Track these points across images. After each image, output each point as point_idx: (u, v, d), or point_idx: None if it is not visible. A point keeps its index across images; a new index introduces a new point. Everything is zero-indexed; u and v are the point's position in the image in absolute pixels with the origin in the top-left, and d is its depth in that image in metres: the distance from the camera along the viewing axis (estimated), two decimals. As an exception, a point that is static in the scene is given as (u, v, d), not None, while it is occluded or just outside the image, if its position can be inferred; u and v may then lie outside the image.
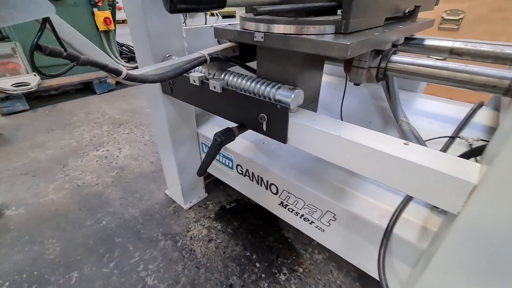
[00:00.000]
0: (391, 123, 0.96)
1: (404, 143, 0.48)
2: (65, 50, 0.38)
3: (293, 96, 0.57)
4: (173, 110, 0.98)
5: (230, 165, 1.06)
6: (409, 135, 0.83)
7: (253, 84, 0.64)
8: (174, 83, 0.86)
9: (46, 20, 0.35)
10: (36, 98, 2.43)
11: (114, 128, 2.00)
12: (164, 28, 0.86)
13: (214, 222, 1.19)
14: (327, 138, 0.53)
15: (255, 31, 0.57)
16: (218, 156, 1.10)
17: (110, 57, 2.69)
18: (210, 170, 1.19)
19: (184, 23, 0.80)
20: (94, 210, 1.24)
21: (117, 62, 2.57)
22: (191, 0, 0.39)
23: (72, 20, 2.34)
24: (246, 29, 0.59)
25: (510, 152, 0.35)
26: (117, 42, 2.86)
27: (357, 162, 0.50)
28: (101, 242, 1.08)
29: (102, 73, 2.62)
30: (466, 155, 0.59)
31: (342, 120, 1.00)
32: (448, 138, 0.83)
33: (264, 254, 1.05)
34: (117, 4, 2.90)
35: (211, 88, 0.69)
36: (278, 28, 0.53)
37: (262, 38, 0.55)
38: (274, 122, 0.61)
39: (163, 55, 0.88)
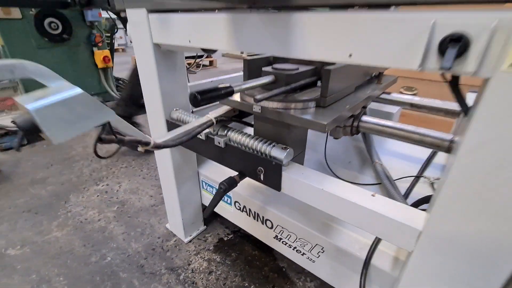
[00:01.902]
0: (368, 163, 1.12)
1: (372, 195, 0.62)
2: (116, 136, 0.51)
3: (285, 154, 0.71)
4: (178, 155, 1.11)
5: (229, 201, 1.17)
6: (382, 175, 0.98)
7: (251, 141, 0.78)
8: (181, 134, 0.99)
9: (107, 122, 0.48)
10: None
11: (113, 161, 2.09)
12: (173, 86, 1.00)
13: (213, 254, 1.28)
14: (313, 189, 0.67)
15: (253, 104, 0.72)
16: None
17: (108, 91, 2.82)
18: (209, 205, 1.30)
19: (188, 81, 0.94)
20: (98, 246, 1.31)
21: (114, 97, 2.69)
22: (210, 98, 0.53)
23: (74, 59, 2.50)
24: (246, 101, 0.74)
25: (441, 205, 0.49)
26: (114, 77, 3.00)
27: (336, 209, 0.64)
28: (107, 278, 1.14)
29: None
30: (417, 203, 0.73)
31: (326, 159, 1.15)
32: (413, 177, 0.98)
33: (261, 284, 1.14)
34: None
35: (216, 143, 0.83)
36: (272, 104, 0.69)
37: (259, 110, 0.70)
38: (270, 174, 0.74)
39: (171, 108, 1.02)
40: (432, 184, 0.95)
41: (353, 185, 0.66)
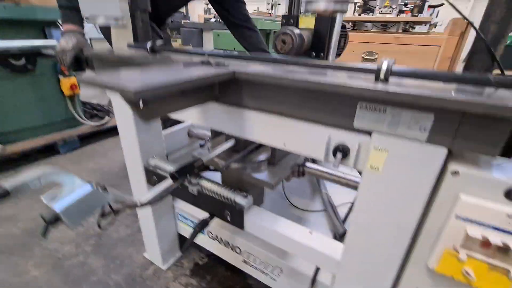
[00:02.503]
0: (317, 191, 1.36)
1: (309, 232, 0.84)
2: (113, 210, 0.67)
3: (246, 201, 0.91)
4: (155, 194, 1.25)
5: (204, 231, 1.34)
6: (326, 204, 1.22)
7: (219, 189, 0.96)
8: (159, 180, 1.14)
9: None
10: (-5, 164, 2.42)
11: (85, 192, 2.12)
12: (150, 137, 1.15)
13: (190, 278, 1.43)
14: (267, 229, 0.87)
15: (220, 164, 0.91)
16: (194, 224, 1.37)
17: (75, 118, 2.82)
18: (186, 234, 1.45)
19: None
20: (79, 281, 1.39)
21: (82, 122, 2.69)
22: (186, 173, 0.71)
23: (39, 89, 2.48)
24: (214, 161, 0.93)
25: (350, 237, 0.72)
26: (81, 101, 2.99)
27: (284, 244, 0.85)
28: (91, 312, 1.24)
29: (67, 134, 2.73)
30: (341, 236, 0.98)
31: (284, 190, 1.37)
32: (351, 203, 1.24)
33: (234, 302, 1.31)
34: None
35: (190, 191, 1.00)
36: (234, 165, 0.88)
37: (225, 168, 0.90)
38: (235, 216, 0.93)
39: (148, 156, 1.17)
40: (364, 209, 1.21)
41: (298, 224, 0.87)
